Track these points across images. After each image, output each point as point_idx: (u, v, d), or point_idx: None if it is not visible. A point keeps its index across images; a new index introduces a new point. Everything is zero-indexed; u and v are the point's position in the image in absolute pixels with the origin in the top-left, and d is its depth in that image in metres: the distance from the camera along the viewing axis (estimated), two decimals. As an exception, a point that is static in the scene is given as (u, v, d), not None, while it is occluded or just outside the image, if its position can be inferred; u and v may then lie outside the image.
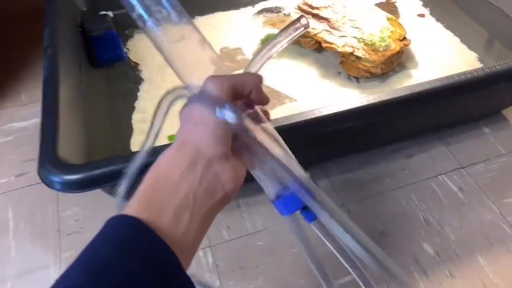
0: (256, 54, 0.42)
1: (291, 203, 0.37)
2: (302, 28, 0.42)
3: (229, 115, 0.31)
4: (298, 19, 0.42)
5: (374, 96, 0.63)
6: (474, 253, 0.65)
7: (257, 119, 0.38)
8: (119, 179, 0.55)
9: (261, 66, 0.42)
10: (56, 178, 0.53)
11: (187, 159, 0.31)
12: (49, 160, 0.55)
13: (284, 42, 0.42)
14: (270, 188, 0.38)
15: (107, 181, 0.55)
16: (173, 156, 0.32)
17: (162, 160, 0.32)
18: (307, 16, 0.86)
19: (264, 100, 0.36)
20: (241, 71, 0.85)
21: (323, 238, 0.38)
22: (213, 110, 0.31)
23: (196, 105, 0.32)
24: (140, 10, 0.35)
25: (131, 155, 0.52)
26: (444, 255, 0.65)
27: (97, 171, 0.54)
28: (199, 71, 0.36)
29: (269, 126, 0.39)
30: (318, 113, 0.61)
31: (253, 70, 0.42)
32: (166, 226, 0.29)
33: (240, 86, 0.33)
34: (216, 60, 0.37)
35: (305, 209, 0.37)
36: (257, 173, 0.38)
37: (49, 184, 0.54)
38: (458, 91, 0.67)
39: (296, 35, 0.42)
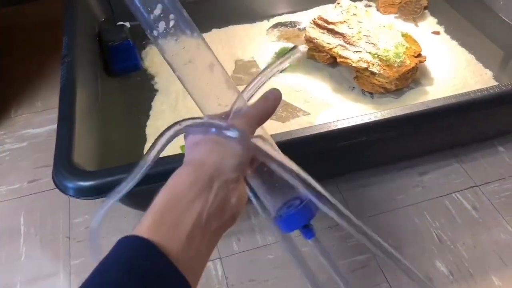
0: (258, 74, 0.42)
1: (293, 221, 0.38)
2: (300, 54, 0.43)
3: (234, 133, 0.33)
4: (297, 48, 0.43)
5: (388, 111, 0.63)
6: (488, 273, 0.64)
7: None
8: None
9: (259, 87, 0.42)
10: (70, 184, 0.54)
11: (205, 178, 0.32)
12: (64, 166, 0.55)
13: (282, 65, 0.42)
14: (271, 207, 0.39)
15: (120, 189, 0.55)
16: (188, 174, 0.33)
17: (175, 180, 0.33)
18: (322, 31, 0.86)
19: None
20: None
21: (319, 255, 0.39)
22: (225, 135, 0.33)
23: (210, 132, 0.34)
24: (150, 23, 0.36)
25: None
26: (457, 274, 0.64)
27: (110, 178, 0.54)
28: (213, 94, 0.37)
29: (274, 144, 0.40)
30: (332, 127, 0.61)
31: (252, 90, 0.41)
32: (179, 249, 0.29)
33: (265, 117, 0.37)
34: (230, 82, 0.38)
35: (305, 227, 0.39)
36: (261, 192, 0.39)
37: (63, 189, 0.54)
38: (473, 109, 0.66)
39: (293, 60, 0.43)
